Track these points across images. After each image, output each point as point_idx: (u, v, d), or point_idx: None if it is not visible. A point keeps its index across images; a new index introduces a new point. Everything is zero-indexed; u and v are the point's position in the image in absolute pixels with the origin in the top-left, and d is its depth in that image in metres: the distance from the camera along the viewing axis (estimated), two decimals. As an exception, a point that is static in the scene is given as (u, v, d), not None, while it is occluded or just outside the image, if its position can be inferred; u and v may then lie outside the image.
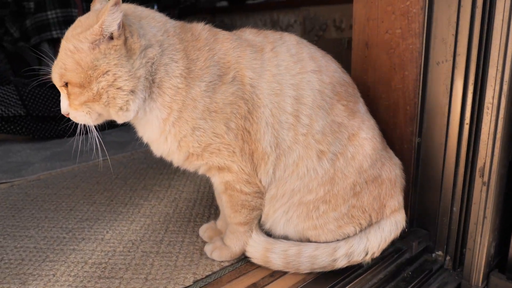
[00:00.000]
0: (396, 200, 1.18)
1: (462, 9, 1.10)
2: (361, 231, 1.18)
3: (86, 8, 3.59)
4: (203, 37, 1.07)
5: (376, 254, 1.17)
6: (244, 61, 1.07)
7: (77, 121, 1.04)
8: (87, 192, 1.80)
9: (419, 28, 1.17)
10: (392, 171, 1.17)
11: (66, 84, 0.99)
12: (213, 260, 1.24)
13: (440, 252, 1.31)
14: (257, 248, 1.18)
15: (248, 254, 1.21)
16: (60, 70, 0.97)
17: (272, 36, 1.15)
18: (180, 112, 1.03)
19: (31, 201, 1.72)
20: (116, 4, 0.91)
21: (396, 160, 1.21)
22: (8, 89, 2.61)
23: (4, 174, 2.05)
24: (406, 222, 1.22)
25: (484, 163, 1.11)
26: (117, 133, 2.78)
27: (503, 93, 1.05)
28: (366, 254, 1.15)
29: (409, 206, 1.34)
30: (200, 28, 1.10)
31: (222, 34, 1.10)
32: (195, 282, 1.15)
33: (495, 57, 1.05)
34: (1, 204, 1.70)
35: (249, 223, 1.20)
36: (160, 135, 1.07)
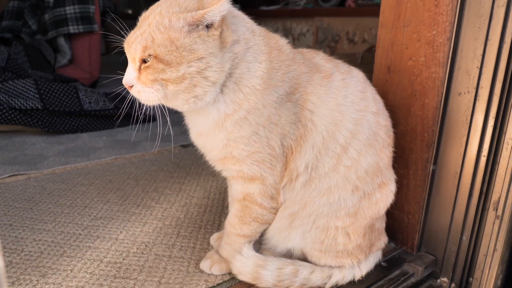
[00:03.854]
0: (382, 241, 1.31)
1: (489, 43, 1.13)
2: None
3: (102, 6, 3.67)
4: (286, 51, 1.10)
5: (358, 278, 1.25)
6: (310, 86, 1.09)
7: (138, 97, 1.01)
8: (101, 190, 1.83)
9: (444, 58, 1.20)
10: (383, 224, 1.30)
11: (144, 59, 0.96)
12: (224, 269, 1.26)
13: (445, 279, 1.33)
14: (247, 263, 1.17)
15: (235, 269, 1.19)
16: (146, 42, 0.94)
17: (343, 66, 1.18)
18: (247, 113, 1.03)
19: (48, 195, 1.75)
20: None
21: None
22: (27, 82, 2.64)
23: (21, 166, 2.08)
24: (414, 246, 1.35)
25: (499, 197, 1.13)
26: (128, 132, 2.81)
27: (524, 130, 1.08)
28: (353, 279, 1.23)
29: (418, 230, 1.36)
30: (284, 42, 1.13)
31: (299, 56, 1.13)
32: (206, 289, 1.17)
33: (519, 94, 1.08)
34: (20, 196, 1.73)
35: (251, 237, 1.20)
36: (215, 129, 1.06)
